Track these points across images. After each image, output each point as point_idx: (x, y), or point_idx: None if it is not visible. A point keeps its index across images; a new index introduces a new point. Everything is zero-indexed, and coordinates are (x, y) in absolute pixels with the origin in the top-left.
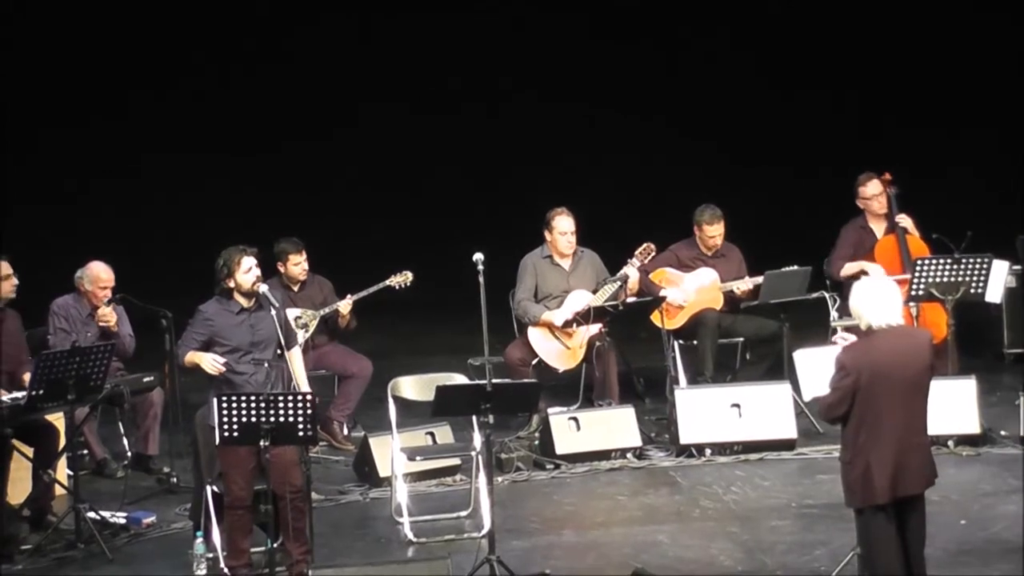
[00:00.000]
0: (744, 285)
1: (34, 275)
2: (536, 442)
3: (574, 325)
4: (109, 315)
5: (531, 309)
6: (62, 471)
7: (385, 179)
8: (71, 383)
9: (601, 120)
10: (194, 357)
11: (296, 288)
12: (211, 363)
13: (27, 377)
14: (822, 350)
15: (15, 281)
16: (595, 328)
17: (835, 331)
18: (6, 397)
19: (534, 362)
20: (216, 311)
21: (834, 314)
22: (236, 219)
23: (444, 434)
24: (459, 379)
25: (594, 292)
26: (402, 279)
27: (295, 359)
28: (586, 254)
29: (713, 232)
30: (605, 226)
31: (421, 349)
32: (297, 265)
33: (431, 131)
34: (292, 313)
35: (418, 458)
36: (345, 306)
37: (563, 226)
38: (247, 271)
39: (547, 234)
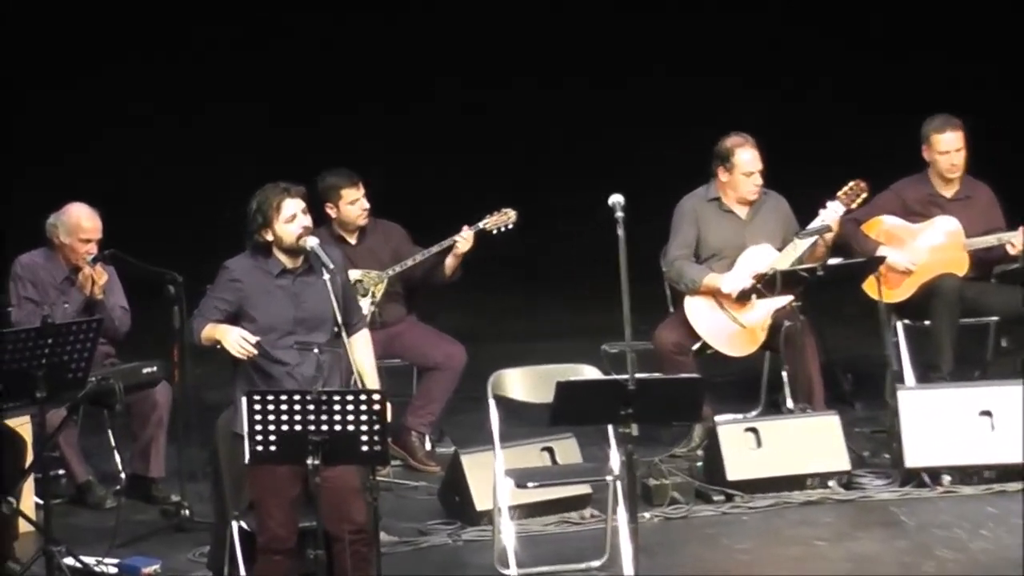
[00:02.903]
0: (1017, 240)
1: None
2: (699, 463)
3: (752, 295)
4: (96, 276)
5: (689, 271)
6: (28, 499)
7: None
8: (41, 375)
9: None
10: (214, 331)
11: (353, 239)
12: (238, 341)
13: None
14: None
15: None
16: (783, 301)
17: None
18: None
19: (695, 347)
20: (247, 270)
21: None
22: (266, 153)
23: (568, 450)
24: (589, 373)
25: (780, 249)
26: (503, 219)
27: (359, 345)
28: (771, 197)
29: (949, 144)
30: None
31: (533, 330)
32: (354, 204)
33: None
34: (350, 276)
35: (531, 484)
36: (466, 239)
37: (747, 162)
38: (290, 219)
39: (721, 171)
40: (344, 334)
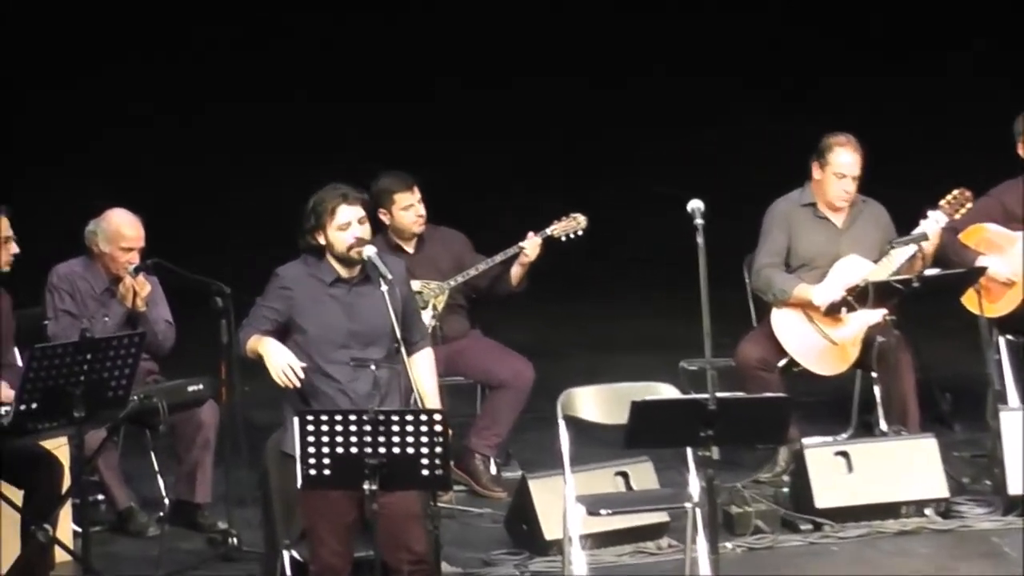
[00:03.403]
0: None
1: (32, 238)
2: (785, 489)
3: (842, 309)
4: (138, 287)
5: (779, 280)
6: (66, 526)
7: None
8: (79, 393)
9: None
10: (258, 344)
11: (411, 248)
12: (283, 367)
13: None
14: None
15: (15, 248)
16: (876, 315)
17: None
18: None
19: (781, 364)
20: (299, 278)
21: None
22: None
23: (643, 475)
24: (666, 391)
25: (876, 261)
26: (571, 225)
27: (420, 364)
28: (870, 205)
29: None
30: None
31: (607, 345)
32: (408, 209)
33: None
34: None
35: (604, 511)
36: (533, 246)
37: (843, 163)
38: (344, 226)
39: (816, 168)
40: (403, 351)
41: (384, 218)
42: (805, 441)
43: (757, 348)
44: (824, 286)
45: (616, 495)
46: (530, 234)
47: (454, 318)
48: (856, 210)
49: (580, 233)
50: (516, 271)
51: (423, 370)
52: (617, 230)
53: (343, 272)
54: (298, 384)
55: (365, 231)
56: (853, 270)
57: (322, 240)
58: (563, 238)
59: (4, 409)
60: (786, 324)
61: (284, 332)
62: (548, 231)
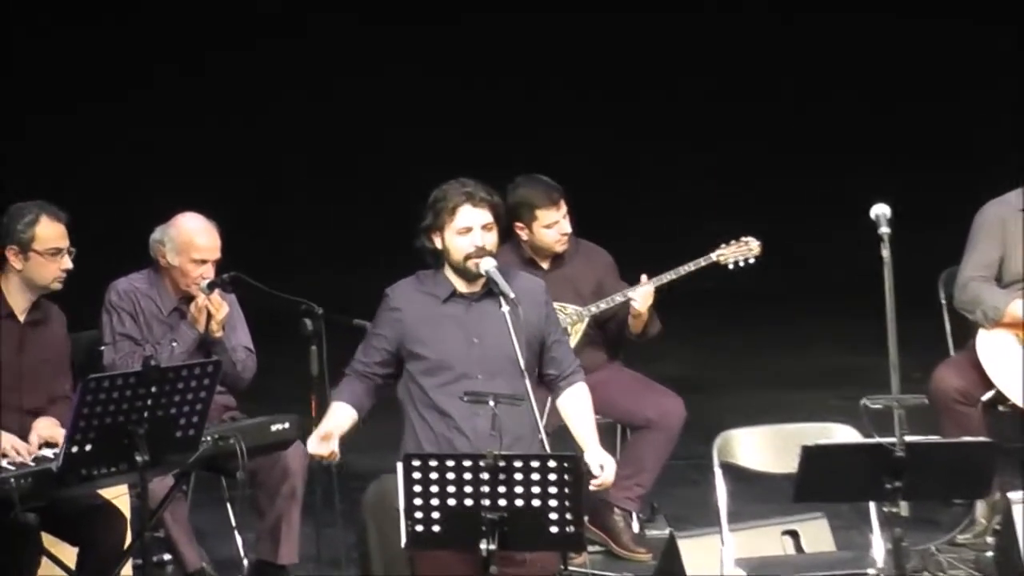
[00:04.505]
0: None
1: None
2: (988, 553)
3: None
4: (213, 307)
5: (990, 295)
6: None
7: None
8: (142, 433)
9: None
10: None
11: (546, 264)
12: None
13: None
14: None
15: (68, 263)
16: None
17: None
18: (26, 455)
19: (985, 398)
20: (409, 295)
21: None
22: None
23: (817, 535)
24: (844, 433)
25: None
26: (741, 251)
27: (571, 402)
28: None
29: None
30: None
31: (770, 377)
32: (552, 227)
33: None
34: None
35: None
36: (644, 297)
37: None
38: (464, 231)
39: None
40: (528, 383)
41: (521, 233)
42: (1012, 495)
43: (957, 377)
44: None
45: (784, 558)
46: (643, 277)
47: (591, 348)
48: None
49: (752, 261)
50: (631, 322)
51: (577, 409)
52: (786, 245)
53: (461, 286)
54: (329, 456)
55: (490, 240)
56: None
57: (439, 243)
58: (731, 265)
59: (53, 451)
60: (995, 350)
61: (399, 364)
62: (714, 256)
